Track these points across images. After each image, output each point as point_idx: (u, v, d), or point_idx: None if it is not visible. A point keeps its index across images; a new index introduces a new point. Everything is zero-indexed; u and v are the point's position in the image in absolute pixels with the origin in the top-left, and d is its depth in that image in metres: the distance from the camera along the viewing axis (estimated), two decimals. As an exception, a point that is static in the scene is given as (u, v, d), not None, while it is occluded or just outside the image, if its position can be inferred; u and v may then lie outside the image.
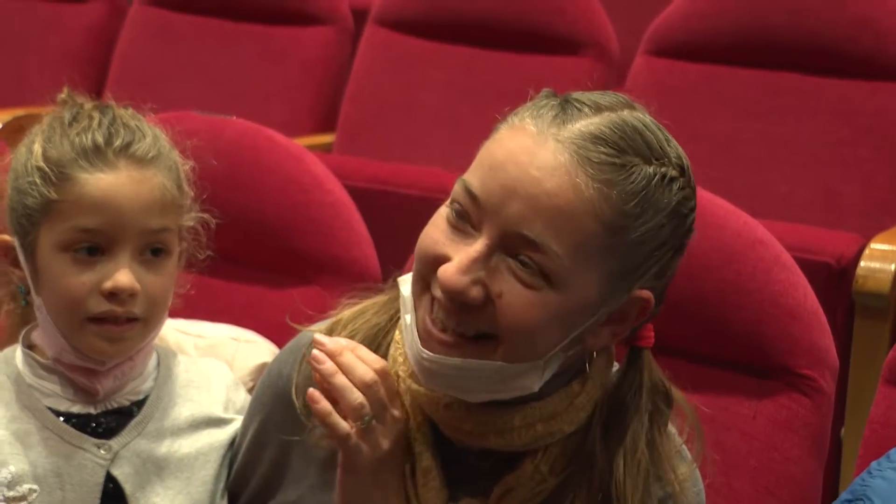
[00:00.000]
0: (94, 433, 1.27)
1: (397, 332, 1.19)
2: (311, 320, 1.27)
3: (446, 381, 1.12)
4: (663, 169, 1.09)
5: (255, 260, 1.70)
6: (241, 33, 2.97)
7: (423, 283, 1.12)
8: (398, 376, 1.19)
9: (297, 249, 1.66)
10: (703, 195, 1.42)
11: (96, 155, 1.24)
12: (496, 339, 1.09)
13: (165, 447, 1.29)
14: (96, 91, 3.07)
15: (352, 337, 1.20)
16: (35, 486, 1.24)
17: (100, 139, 1.25)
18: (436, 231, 1.11)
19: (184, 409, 1.32)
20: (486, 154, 1.10)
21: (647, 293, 1.11)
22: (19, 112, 2.67)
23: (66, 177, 1.24)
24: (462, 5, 2.75)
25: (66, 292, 1.24)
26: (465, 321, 1.09)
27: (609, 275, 1.09)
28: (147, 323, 1.27)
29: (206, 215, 1.35)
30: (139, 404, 1.30)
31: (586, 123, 1.09)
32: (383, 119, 2.82)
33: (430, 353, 1.10)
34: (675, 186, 1.10)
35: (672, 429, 1.18)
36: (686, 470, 1.17)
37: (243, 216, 1.68)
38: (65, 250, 1.24)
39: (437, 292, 1.09)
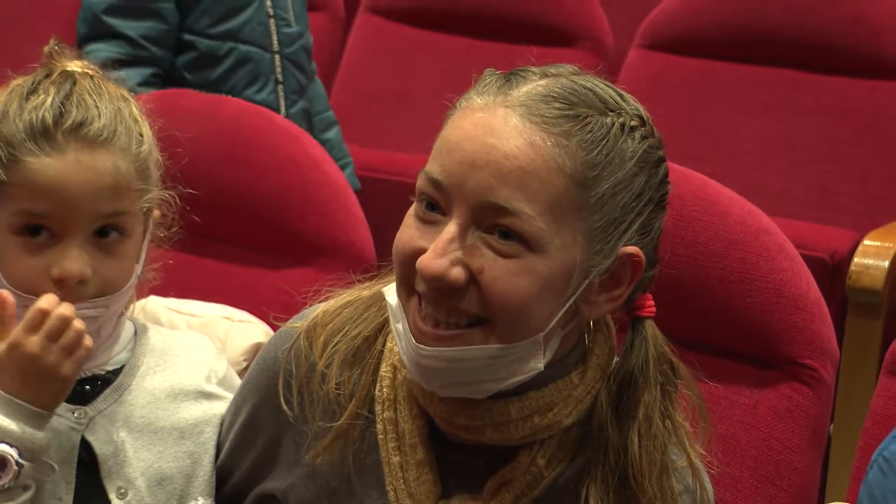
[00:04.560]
0: (69, 399, 1.24)
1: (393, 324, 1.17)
2: (305, 303, 1.25)
3: (448, 377, 1.10)
4: (621, 119, 1.09)
5: (250, 240, 1.68)
6: (232, 18, 2.95)
7: (408, 286, 1.10)
8: (395, 368, 1.17)
9: (293, 230, 1.65)
10: (708, 183, 1.42)
11: (44, 137, 1.20)
12: (489, 321, 1.08)
13: (142, 417, 1.28)
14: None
15: (332, 353, 1.18)
16: None
17: (49, 119, 1.20)
18: (408, 230, 1.10)
19: (163, 379, 1.30)
20: (441, 141, 1.10)
21: (634, 249, 1.10)
22: None
23: (15, 159, 1.20)
24: (456, -5, 2.74)
25: (17, 275, 1.22)
26: (454, 309, 1.08)
27: (589, 232, 1.07)
28: (106, 304, 1.24)
29: (171, 193, 1.31)
30: (115, 373, 1.28)
31: (533, 86, 1.08)
32: (374, 107, 2.81)
33: (427, 348, 1.08)
34: (637, 135, 1.09)
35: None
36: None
37: (239, 196, 1.66)
38: (15, 233, 1.22)
39: (421, 286, 1.08)
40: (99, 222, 1.22)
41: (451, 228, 1.06)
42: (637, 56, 2.51)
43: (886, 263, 1.94)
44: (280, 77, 2.30)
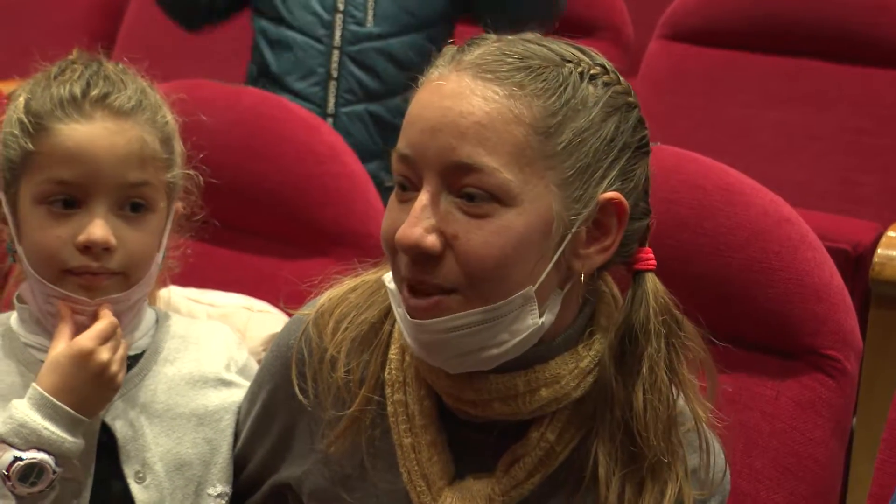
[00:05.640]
0: None
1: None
2: (318, 292, 1.25)
3: (449, 349, 1.09)
4: (579, 68, 1.09)
5: (268, 231, 1.68)
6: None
7: (398, 272, 1.10)
8: (403, 350, 1.18)
9: (312, 221, 1.65)
10: (730, 173, 1.41)
11: (72, 105, 1.23)
12: (471, 286, 1.07)
13: (161, 403, 1.29)
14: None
15: (341, 341, 1.19)
16: None
17: (77, 90, 1.23)
18: (390, 215, 1.11)
19: (183, 366, 1.31)
20: (406, 118, 1.11)
21: (614, 194, 1.09)
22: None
23: (43, 127, 1.23)
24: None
25: (42, 245, 1.23)
26: (434, 278, 1.07)
27: (563, 180, 1.07)
28: (128, 277, 1.25)
29: (196, 173, 1.33)
30: (136, 359, 1.29)
31: (486, 49, 1.09)
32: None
33: (420, 321, 1.08)
34: (599, 82, 1.09)
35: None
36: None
37: (258, 186, 1.66)
38: (41, 203, 1.23)
39: (403, 267, 1.08)
40: (125, 191, 1.23)
41: (422, 197, 1.07)
42: (657, 47, 2.49)
43: (910, 255, 1.93)
44: (335, 73, 2.25)
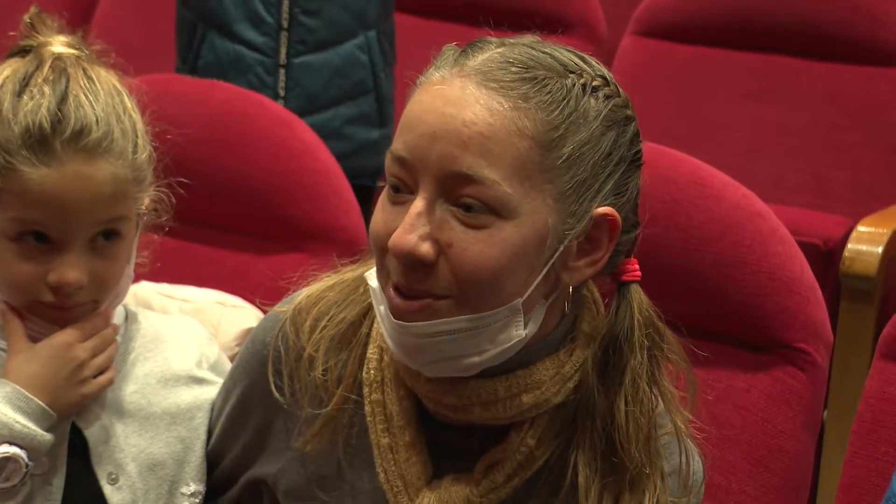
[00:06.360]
0: None
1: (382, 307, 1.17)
2: (293, 287, 1.25)
3: (430, 353, 1.09)
4: (582, 80, 1.08)
5: (242, 226, 1.67)
6: (225, 5, 2.93)
7: (384, 270, 1.09)
8: (381, 349, 1.17)
9: (285, 216, 1.64)
10: (702, 167, 1.42)
11: (42, 147, 1.17)
12: (462, 294, 1.07)
13: (132, 402, 1.28)
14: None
15: (319, 339, 1.18)
16: None
17: (46, 126, 1.17)
18: (380, 215, 1.09)
19: (154, 365, 1.30)
20: (403, 119, 1.09)
21: (608, 209, 1.08)
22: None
23: (11, 167, 1.18)
24: (450, -18, 2.73)
25: (11, 278, 1.21)
26: (427, 285, 1.07)
27: (560, 194, 1.06)
28: (98, 303, 1.25)
29: (165, 191, 1.30)
30: None
31: (490, 55, 1.08)
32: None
33: (404, 323, 1.08)
34: (601, 94, 1.08)
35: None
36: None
37: (231, 181, 1.66)
38: (9, 239, 1.20)
39: (393, 271, 1.07)
40: (97, 228, 1.21)
41: (418, 203, 1.06)
42: (631, 43, 2.51)
43: (880, 249, 1.95)
44: (285, 23, 2.20)
